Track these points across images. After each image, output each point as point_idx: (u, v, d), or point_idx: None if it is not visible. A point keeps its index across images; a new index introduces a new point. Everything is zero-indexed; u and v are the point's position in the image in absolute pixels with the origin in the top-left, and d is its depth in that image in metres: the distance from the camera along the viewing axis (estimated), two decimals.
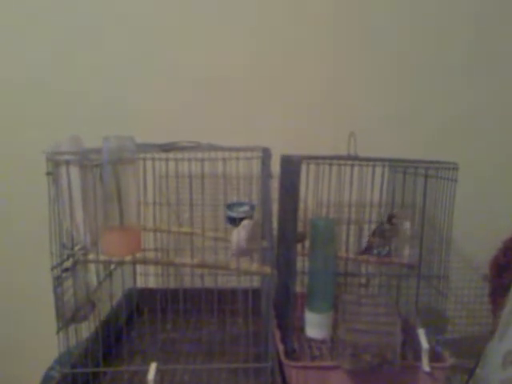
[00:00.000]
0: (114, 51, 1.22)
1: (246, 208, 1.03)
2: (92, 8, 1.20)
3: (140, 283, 1.18)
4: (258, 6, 1.21)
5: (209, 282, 1.06)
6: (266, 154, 0.86)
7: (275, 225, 1.04)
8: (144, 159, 0.94)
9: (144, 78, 1.22)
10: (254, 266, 0.86)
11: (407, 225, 0.95)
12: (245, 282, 1.10)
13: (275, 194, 1.07)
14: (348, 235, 0.96)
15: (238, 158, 0.91)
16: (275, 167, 1.01)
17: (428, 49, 1.24)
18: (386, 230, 0.97)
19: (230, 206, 1.04)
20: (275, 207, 1.05)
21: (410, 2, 1.22)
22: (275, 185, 1.06)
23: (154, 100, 1.23)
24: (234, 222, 1.02)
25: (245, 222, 0.87)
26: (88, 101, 1.22)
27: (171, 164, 0.87)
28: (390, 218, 0.97)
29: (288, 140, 1.18)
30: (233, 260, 0.85)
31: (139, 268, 1.16)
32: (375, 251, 0.97)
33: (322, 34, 1.23)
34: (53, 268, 0.76)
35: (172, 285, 1.16)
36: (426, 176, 0.87)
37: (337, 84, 1.24)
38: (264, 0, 1.21)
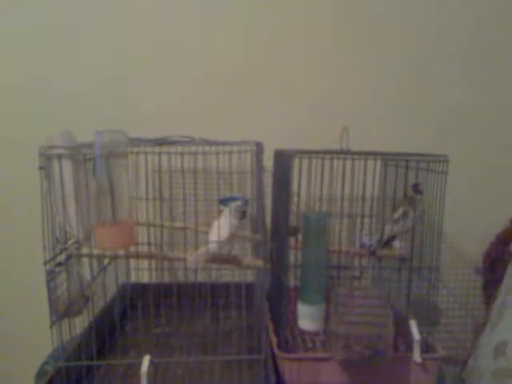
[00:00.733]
0: (111, 48, 1.22)
1: (239, 202, 1.03)
2: (90, 5, 1.19)
3: (134, 278, 1.18)
4: (255, 4, 1.21)
5: (202, 277, 1.06)
6: (258, 148, 0.86)
7: (269, 219, 1.05)
8: (137, 153, 0.94)
9: (139, 73, 1.22)
10: (248, 260, 0.87)
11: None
12: (238, 276, 1.11)
13: (269, 188, 1.07)
14: (340, 229, 0.96)
15: (231, 152, 0.91)
16: (269, 162, 1.02)
17: (422, 45, 1.25)
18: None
19: (223, 201, 1.04)
20: (269, 201, 1.06)
21: (409, 1, 1.23)
22: (269, 179, 1.07)
23: (149, 95, 1.23)
24: None
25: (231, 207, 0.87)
26: (83, 96, 1.22)
27: (164, 158, 0.87)
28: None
29: (282, 134, 1.18)
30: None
31: (133, 263, 1.16)
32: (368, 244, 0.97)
33: (318, 31, 1.23)
34: (46, 262, 0.76)
35: (166, 279, 1.16)
36: (418, 169, 0.87)
37: (331, 79, 1.25)
38: None
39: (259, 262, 0.85)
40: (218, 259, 0.85)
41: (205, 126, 1.15)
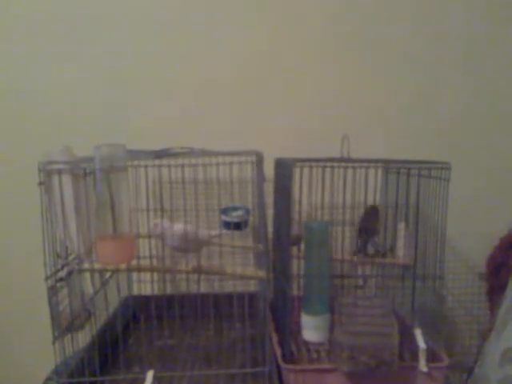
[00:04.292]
0: (110, 59, 1.21)
1: (240, 212, 1.03)
2: (89, 13, 1.19)
3: (136, 290, 1.18)
4: (256, 8, 1.21)
5: (205, 288, 1.05)
6: (259, 159, 0.86)
7: (270, 228, 1.05)
8: (137, 166, 0.94)
9: (139, 84, 1.22)
10: (250, 271, 0.86)
11: (402, 225, 0.95)
12: (241, 287, 1.10)
13: (270, 197, 1.07)
14: (343, 237, 0.96)
15: (231, 163, 0.91)
16: (270, 171, 1.01)
17: (421, 51, 1.24)
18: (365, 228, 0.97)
19: (224, 211, 1.03)
20: (271, 211, 1.05)
21: (408, 6, 1.23)
22: (270, 188, 1.06)
23: (149, 106, 1.23)
24: (229, 226, 1.02)
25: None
26: (82, 109, 1.22)
27: (165, 170, 0.87)
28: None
29: (282, 143, 1.18)
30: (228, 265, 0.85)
31: (135, 275, 1.16)
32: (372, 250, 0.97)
33: (319, 39, 1.23)
34: (47, 278, 0.76)
35: (168, 291, 1.15)
36: (419, 176, 0.87)
37: (330, 87, 1.24)
38: (263, 3, 1.21)
39: (261, 273, 0.85)
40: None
41: (204, 136, 1.15)
